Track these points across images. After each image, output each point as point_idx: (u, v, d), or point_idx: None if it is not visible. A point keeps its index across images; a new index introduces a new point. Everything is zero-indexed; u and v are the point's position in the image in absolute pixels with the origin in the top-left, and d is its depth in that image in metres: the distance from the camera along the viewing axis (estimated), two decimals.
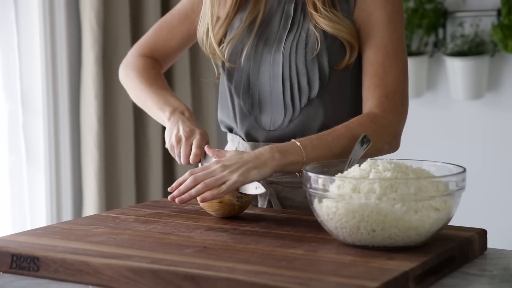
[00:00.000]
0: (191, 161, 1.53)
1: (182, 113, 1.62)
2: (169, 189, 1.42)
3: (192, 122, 1.60)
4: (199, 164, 1.53)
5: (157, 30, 1.79)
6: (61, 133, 2.77)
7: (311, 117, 1.56)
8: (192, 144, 1.54)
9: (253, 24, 1.61)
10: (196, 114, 3.25)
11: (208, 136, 1.59)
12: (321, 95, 1.55)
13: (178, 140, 1.56)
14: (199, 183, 1.37)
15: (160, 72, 1.79)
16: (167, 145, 1.60)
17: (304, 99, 1.56)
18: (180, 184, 1.40)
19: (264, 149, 1.40)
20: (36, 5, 2.69)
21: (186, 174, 1.40)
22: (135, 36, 2.96)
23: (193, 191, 1.37)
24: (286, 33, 1.58)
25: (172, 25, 1.76)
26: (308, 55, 1.54)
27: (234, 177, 1.36)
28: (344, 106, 1.58)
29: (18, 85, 2.70)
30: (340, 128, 1.48)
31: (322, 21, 1.53)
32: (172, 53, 1.80)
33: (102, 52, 2.78)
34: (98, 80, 2.76)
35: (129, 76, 1.77)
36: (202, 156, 1.54)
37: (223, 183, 1.36)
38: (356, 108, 1.59)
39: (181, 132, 1.56)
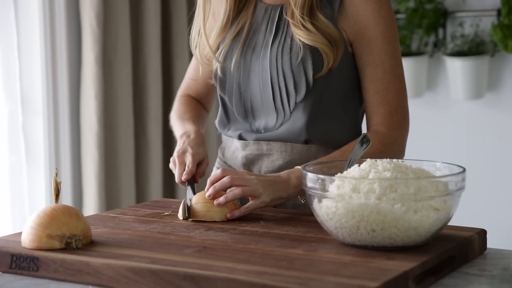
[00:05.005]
0: (182, 179, 1.58)
1: (188, 136, 1.67)
2: (206, 192, 1.46)
3: (192, 143, 1.64)
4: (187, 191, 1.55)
5: (188, 73, 1.83)
6: (61, 133, 2.77)
7: (298, 120, 1.59)
8: (185, 164, 1.59)
9: (240, 33, 1.64)
10: None
11: (203, 155, 1.63)
12: (307, 99, 1.58)
13: (173, 161, 1.62)
14: (234, 185, 1.43)
15: (190, 104, 1.81)
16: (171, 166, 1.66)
17: (292, 103, 1.59)
18: (213, 182, 1.45)
19: (292, 175, 1.46)
20: (36, 5, 2.69)
21: (219, 171, 1.46)
22: (135, 36, 2.96)
23: (230, 195, 1.43)
24: (272, 38, 1.60)
25: (195, 72, 1.79)
26: (293, 60, 1.56)
27: (263, 197, 1.43)
28: (330, 109, 1.60)
29: (18, 85, 2.70)
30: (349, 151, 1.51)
31: (297, 32, 1.55)
32: (207, 92, 1.82)
33: (102, 52, 2.78)
34: (98, 80, 2.76)
35: (171, 119, 1.83)
36: (193, 175, 1.58)
37: (253, 197, 1.43)
38: (343, 110, 1.62)
39: (174, 154, 1.63)
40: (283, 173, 1.48)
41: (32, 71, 2.71)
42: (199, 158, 1.61)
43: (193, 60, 1.79)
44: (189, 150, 1.61)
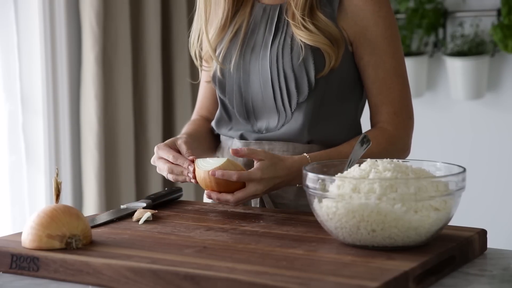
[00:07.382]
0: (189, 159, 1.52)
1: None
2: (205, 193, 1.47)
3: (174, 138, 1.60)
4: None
5: (200, 94, 1.81)
6: (61, 133, 2.77)
7: (300, 120, 1.58)
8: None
9: (238, 34, 1.64)
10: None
11: (173, 143, 1.57)
12: (309, 99, 1.58)
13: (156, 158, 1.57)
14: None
15: (193, 124, 1.76)
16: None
17: (293, 103, 1.58)
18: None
19: (295, 168, 1.47)
20: (36, 5, 2.69)
21: (235, 178, 1.43)
22: (135, 36, 2.96)
23: (232, 200, 1.44)
24: (271, 38, 1.60)
25: (206, 89, 1.79)
26: (294, 60, 1.56)
27: (261, 194, 1.46)
28: (331, 108, 1.60)
29: (18, 85, 2.70)
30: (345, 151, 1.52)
31: (298, 32, 1.55)
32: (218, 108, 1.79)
33: (102, 52, 2.78)
34: (98, 80, 2.76)
35: None
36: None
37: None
38: (343, 109, 1.62)
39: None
40: (294, 168, 1.48)
41: (32, 71, 2.71)
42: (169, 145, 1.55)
43: (202, 77, 1.77)
44: (178, 140, 1.55)
